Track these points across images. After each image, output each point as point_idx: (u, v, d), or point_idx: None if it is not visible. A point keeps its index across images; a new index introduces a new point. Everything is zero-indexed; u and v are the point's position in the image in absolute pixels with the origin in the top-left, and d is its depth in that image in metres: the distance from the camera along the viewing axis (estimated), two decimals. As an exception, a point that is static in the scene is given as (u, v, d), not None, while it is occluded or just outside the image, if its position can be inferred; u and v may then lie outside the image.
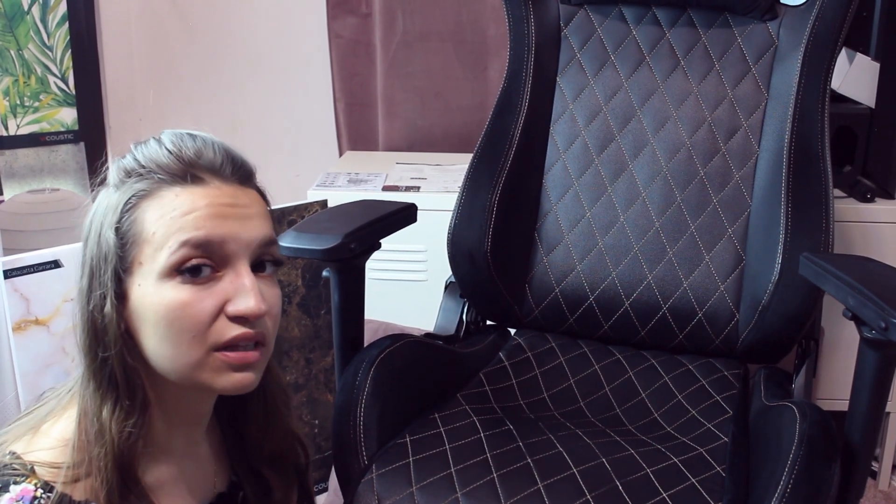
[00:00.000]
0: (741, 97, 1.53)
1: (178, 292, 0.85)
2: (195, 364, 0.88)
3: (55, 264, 1.46)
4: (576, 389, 1.46)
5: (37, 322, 1.46)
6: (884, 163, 1.93)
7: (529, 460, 1.21)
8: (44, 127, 2.10)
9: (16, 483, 0.82)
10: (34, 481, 0.83)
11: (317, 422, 1.81)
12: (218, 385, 0.89)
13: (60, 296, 1.48)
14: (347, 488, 1.23)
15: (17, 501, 0.81)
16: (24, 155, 2.08)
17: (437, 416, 1.32)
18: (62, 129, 2.11)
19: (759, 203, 1.48)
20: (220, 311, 0.87)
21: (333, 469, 1.43)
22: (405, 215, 1.44)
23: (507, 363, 1.50)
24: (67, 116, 2.12)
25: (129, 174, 0.88)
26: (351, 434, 1.25)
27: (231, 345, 0.87)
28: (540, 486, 1.16)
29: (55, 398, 0.93)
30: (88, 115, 2.15)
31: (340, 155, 2.49)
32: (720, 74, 1.55)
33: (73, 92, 2.12)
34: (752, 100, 1.52)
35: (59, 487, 0.84)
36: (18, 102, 2.06)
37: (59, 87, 2.11)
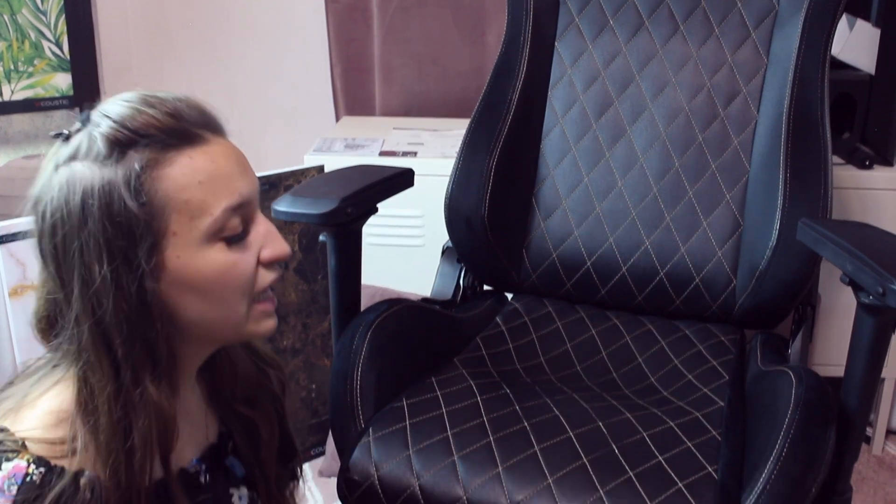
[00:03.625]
0: (741, 62, 1.52)
1: (223, 255, 0.87)
2: (242, 319, 0.91)
3: None
4: (572, 354, 1.46)
5: (33, 287, 1.42)
6: (883, 130, 1.92)
7: (526, 424, 1.21)
8: (38, 92, 2.08)
9: (7, 460, 0.80)
10: (26, 457, 0.81)
11: (314, 386, 1.81)
12: (260, 332, 0.93)
13: None
14: (344, 452, 1.23)
15: (10, 479, 0.80)
16: (19, 120, 2.07)
17: (433, 379, 1.32)
18: (57, 95, 2.09)
19: (758, 169, 1.48)
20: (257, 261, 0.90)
21: (330, 433, 1.44)
22: (402, 180, 1.44)
23: (503, 328, 1.50)
24: (62, 82, 2.10)
25: (121, 144, 0.83)
26: (348, 398, 1.25)
27: (264, 292, 0.92)
28: (536, 449, 1.16)
29: (36, 372, 0.90)
30: (83, 81, 2.13)
31: (337, 120, 2.48)
32: (720, 39, 1.54)
33: (68, 57, 2.10)
34: (752, 65, 1.51)
35: (53, 461, 0.82)
36: (12, 67, 2.04)
37: (53, 53, 2.09)
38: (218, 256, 0.86)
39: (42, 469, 0.81)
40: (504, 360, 1.43)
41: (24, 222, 1.42)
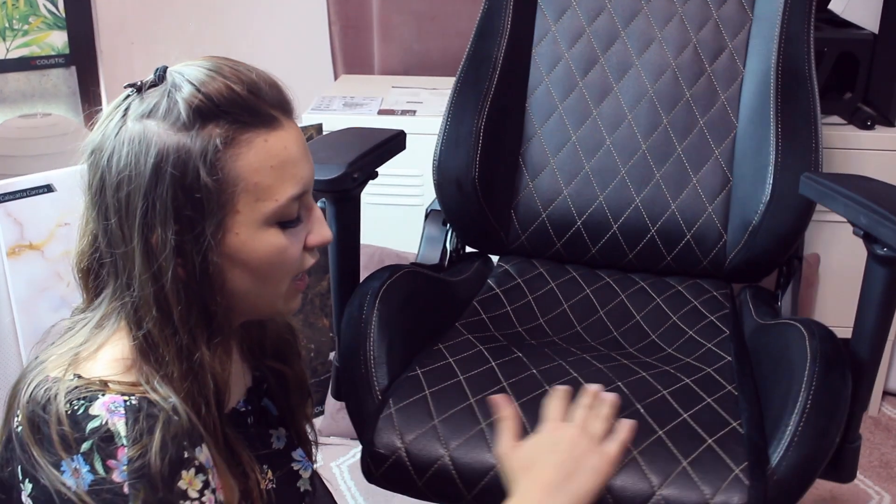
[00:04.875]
0: (725, 18, 1.52)
1: (277, 238, 0.88)
2: (281, 295, 0.93)
3: (48, 189, 1.45)
4: (570, 314, 1.46)
5: (31, 247, 1.46)
6: (886, 90, 1.89)
7: (547, 387, 1.20)
8: (34, 51, 2.03)
9: (102, 395, 0.81)
10: (115, 392, 0.82)
11: (312, 346, 1.82)
12: (289, 309, 0.96)
13: (54, 220, 1.47)
14: (364, 425, 1.20)
15: (112, 403, 0.80)
16: (15, 79, 2.03)
17: (441, 346, 1.30)
18: (53, 53, 2.04)
19: (746, 124, 1.49)
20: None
21: (329, 392, 1.41)
22: (397, 143, 1.40)
23: (498, 290, 1.49)
24: (58, 40, 2.05)
25: (204, 115, 0.82)
26: (362, 370, 1.22)
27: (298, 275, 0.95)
28: (563, 412, 1.16)
29: (78, 333, 0.90)
30: (79, 39, 2.08)
31: (335, 79, 2.45)
32: (703, -6, 1.54)
33: (63, 15, 2.05)
34: (737, 20, 1.52)
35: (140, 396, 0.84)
36: (7, 26, 1.99)
37: (48, 10, 2.04)
38: (272, 239, 0.87)
39: (136, 397, 0.82)
40: (505, 324, 1.42)
41: (22, 181, 1.44)
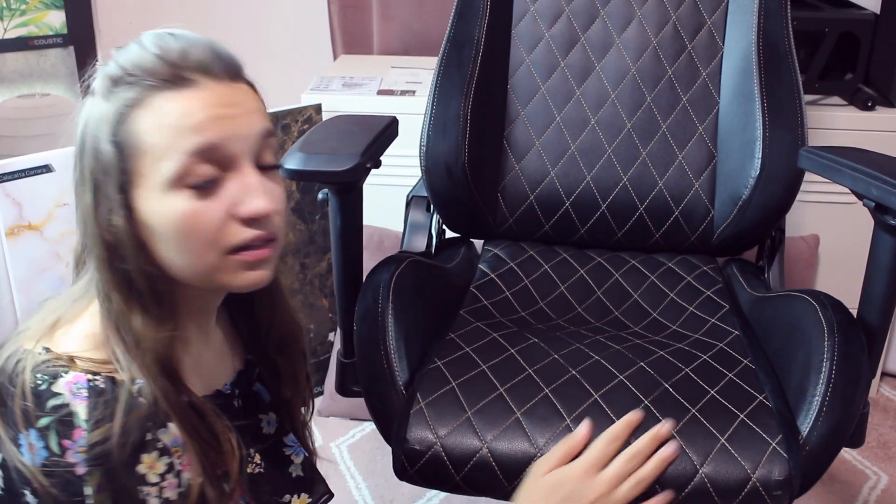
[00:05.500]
0: (703, -6, 1.54)
1: (184, 203, 0.83)
2: (211, 268, 0.87)
3: (46, 168, 1.46)
4: (568, 296, 1.45)
5: (30, 227, 1.45)
6: (887, 71, 1.88)
7: (574, 372, 1.20)
8: (31, 31, 2.00)
9: (64, 373, 0.80)
10: (79, 369, 0.81)
11: (312, 326, 1.81)
12: (235, 284, 0.89)
13: (53, 201, 1.47)
14: (390, 421, 1.16)
15: (75, 384, 0.79)
16: (13, 59, 2.00)
17: (453, 336, 1.28)
18: (50, 33, 2.01)
19: (729, 100, 1.51)
20: (230, 214, 0.85)
21: (333, 374, 1.38)
22: (393, 130, 1.37)
23: (493, 275, 1.47)
24: (56, 19, 2.02)
25: (115, 82, 0.84)
26: (384, 365, 1.19)
27: (245, 246, 0.87)
28: (595, 396, 1.15)
29: (62, 304, 0.89)
30: (77, 18, 2.06)
31: (335, 59, 2.40)
32: (675, -29, 1.54)
33: None
34: (714, -4, 1.54)
35: (105, 375, 0.82)
36: (5, 5, 1.95)
37: None
38: (179, 204, 0.83)
39: (100, 377, 0.81)
40: (507, 309, 1.40)
41: (20, 161, 1.43)
